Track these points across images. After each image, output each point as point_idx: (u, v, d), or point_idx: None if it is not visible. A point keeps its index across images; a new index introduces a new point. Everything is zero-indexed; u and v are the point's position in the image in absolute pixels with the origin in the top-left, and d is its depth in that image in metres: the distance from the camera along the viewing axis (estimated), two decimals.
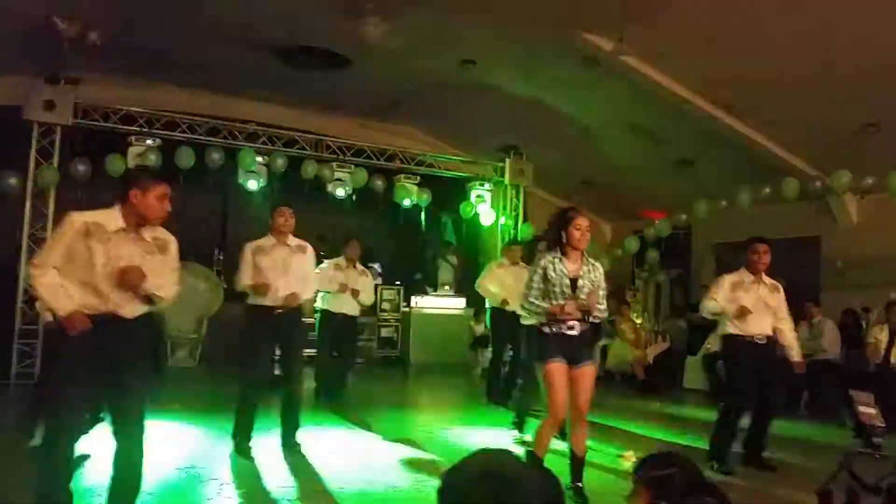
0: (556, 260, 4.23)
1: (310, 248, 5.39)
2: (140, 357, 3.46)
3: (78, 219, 3.30)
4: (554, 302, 4.16)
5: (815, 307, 8.59)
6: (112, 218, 3.34)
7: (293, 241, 5.29)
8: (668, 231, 10.85)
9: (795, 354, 5.32)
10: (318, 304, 7.65)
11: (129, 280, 3.27)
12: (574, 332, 4.20)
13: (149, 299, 3.39)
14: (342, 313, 7.52)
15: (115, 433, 3.35)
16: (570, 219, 4.25)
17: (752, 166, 9.67)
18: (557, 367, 4.14)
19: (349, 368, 7.94)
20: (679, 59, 8.12)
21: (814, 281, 10.13)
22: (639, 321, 10.72)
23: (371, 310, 9.67)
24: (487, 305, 7.78)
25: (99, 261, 3.26)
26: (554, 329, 4.17)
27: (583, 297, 4.17)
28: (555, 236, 4.34)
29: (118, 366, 3.31)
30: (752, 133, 9.10)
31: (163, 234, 3.51)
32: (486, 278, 7.58)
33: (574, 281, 4.21)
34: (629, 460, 4.16)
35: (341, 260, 7.65)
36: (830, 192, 9.13)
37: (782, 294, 5.33)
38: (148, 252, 3.40)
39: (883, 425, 4.03)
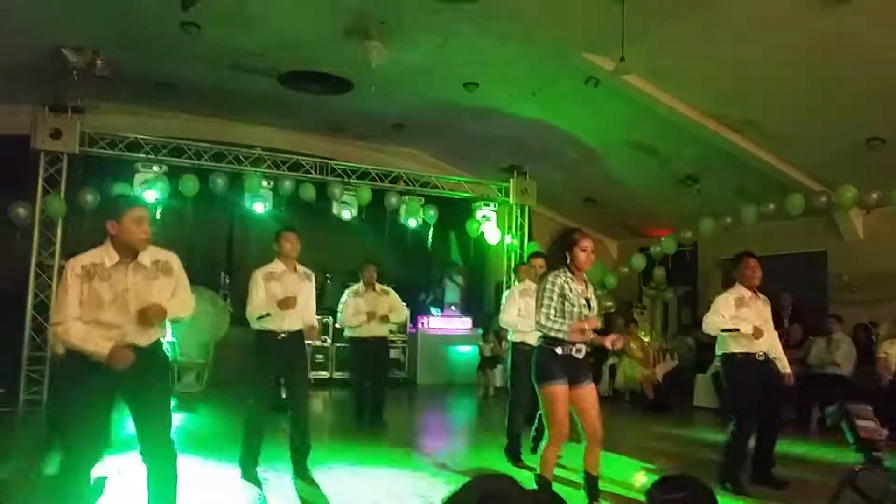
0: (569, 280, 4.21)
1: (313, 276, 5.45)
2: (160, 379, 3.54)
3: (76, 264, 3.36)
4: (569, 323, 4.13)
5: (836, 323, 8.55)
6: (106, 254, 3.39)
7: (300, 268, 5.33)
8: (673, 248, 10.84)
9: (785, 367, 5.32)
10: (347, 332, 7.67)
11: (151, 318, 3.36)
12: (580, 356, 4.22)
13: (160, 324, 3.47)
14: (371, 336, 7.45)
15: (147, 457, 3.41)
16: (576, 240, 4.24)
17: (756, 182, 9.68)
18: (562, 390, 4.13)
19: (384, 393, 7.72)
20: (681, 77, 8.17)
21: (821, 296, 10.09)
22: (647, 339, 10.67)
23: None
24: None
25: (107, 298, 3.32)
26: (564, 350, 4.15)
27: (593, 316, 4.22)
28: (559, 257, 4.30)
29: (140, 391, 3.37)
30: (756, 149, 9.12)
31: (162, 255, 3.55)
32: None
33: (588, 300, 4.25)
34: (640, 481, 4.12)
35: (359, 286, 7.62)
36: (836, 207, 9.12)
37: (769, 308, 5.36)
38: (151, 278, 3.45)
39: (883, 439, 3.99)
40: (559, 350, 4.15)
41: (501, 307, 6.27)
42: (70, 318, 3.29)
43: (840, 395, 7.94)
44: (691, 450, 6.93)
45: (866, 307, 9.23)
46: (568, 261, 4.23)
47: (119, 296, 3.34)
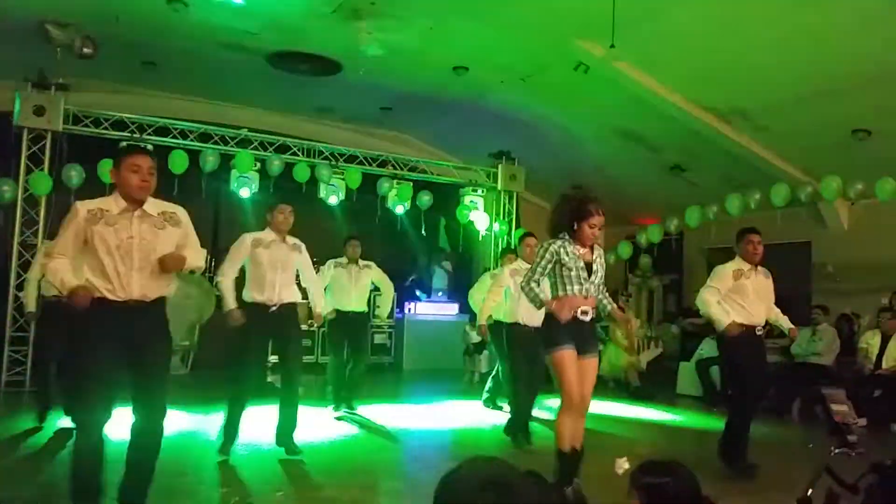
0: (567, 243, 4.08)
1: (304, 248, 5.37)
2: (161, 339, 3.52)
3: (82, 207, 3.36)
4: (570, 288, 4.05)
5: (822, 313, 8.62)
6: (114, 202, 3.41)
7: (290, 239, 5.28)
8: (659, 237, 10.89)
9: (788, 324, 5.40)
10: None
11: (169, 266, 3.38)
12: (587, 318, 4.11)
13: (168, 280, 3.48)
14: (352, 311, 7.22)
15: (138, 413, 3.42)
16: (589, 213, 4.08)
17: (743, 172, 9.73)
18: (570, 354, 4.02)
19: (362, 377, 7.46)
20: (670, 66, 8.17)
21: (805, 286, 10.19)
22: (639, 327, 10.73)
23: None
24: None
25: (112, 243, 3.32)
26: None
27: (595, 283, 4.13)
28: (565, 222, 4.13)
29: (140, 349, 3.36)
30: (743, 139, 9.16)
31: (171, 207, 3.59)
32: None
33: (589, 265, 4.11)
34: (622, 467, 4.14)
35: (342, 259, 7.41)
36: (821, 197, 9.18)
37: (771, 281, 5.36)
38: (158, 227, 3.46)
39: (856, 421, 4.05)
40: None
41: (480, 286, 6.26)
42: (58, 254, 3.30)
43: (821, 384, 8.08)
44: (675, 437, 6.99)
45: (849, 298, 9.33)
46: (574, 228, 4.10)
47: (123, 243, 3.34)
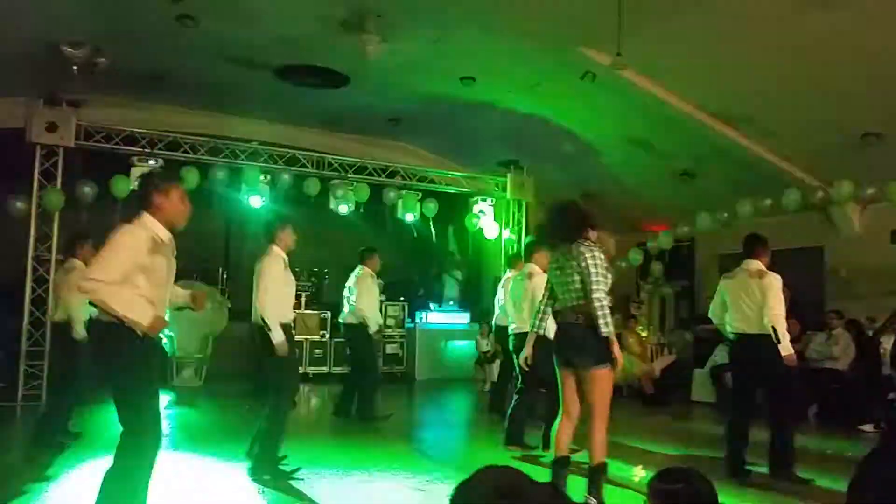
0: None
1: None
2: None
3: (143, 234, 3.20)
4: None
5: (837, 318, 8.57)
6: (161, 230, 3.29)
7: None
8: (670, 243, 10.86)
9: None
10: (352, 320, 7.29)
11: (202, 303, 3.47)
12: None
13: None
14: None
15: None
16: (594, 226, 4.23)
17: (753, 177, 9.69)
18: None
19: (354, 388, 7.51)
20: (677, 72, 8.17)
21: (818, 291, 10.12)
22: (644, 334, 10.69)
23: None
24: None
25: (163, 274, 3.28)
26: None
27: None
28: (578, 230, 4.17)
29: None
30: (752, 144, 9.13)
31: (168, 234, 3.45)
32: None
33: None
34: (639, 475, 4.14)
35: (370, 272, 7.42)
36: (832, 202, 9.14)
37: None
38: (174, 257, 3.42)
39: None
40: (605, 330, 4.00)
41: (518, 296, 6.16)
42: (114, 280, 3.11)
43: (839, 390, 8.03)
44: (691, 444, 6.95)
45: (863, 302, 9.25)
46: (584, 235, 4.15)
47: (169, 273, 3.31)
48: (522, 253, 7.10)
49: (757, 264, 5.20)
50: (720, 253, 11.22)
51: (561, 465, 4.14)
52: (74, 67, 7.84)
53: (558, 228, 4.28)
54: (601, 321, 3.96)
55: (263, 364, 5.19)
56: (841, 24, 6.60)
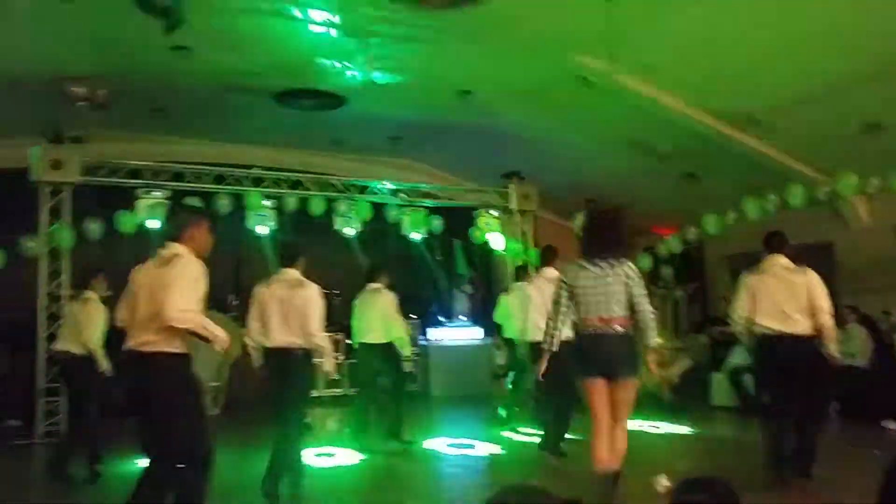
0: None
1: None
2: None
3: (201, 265, 3.70)
4: None
5: (851, 313, 8.48)
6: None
7: None
8: (679, 247, 10.81)
9: None
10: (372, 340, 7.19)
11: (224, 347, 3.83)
12: None
13: None
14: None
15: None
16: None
17: (757, 175, 9.64)
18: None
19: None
20: (671, 73, 8.13)
21: (829, 287, 10.00)
22: (659, 340, 10.60)
23: None
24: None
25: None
26: None
27: None
28: (626, 243, 4.33)
29: None
30: (753, 142, 9.09)
31: None
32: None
33: None
34: (662, 484, 4.08)
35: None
36: (839, 196, 9.07)
37: None
38: None
39: None
40: (655, 341, 4.24)
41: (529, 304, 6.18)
42: (198, 308, 3.61)
43: (860, 386, 7.93)
44: (713, 450, 6.87)
45: (876, 296, 9.16)
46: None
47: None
48: (538, 259, 7.09)
49: (787, 261, 5.08)
50: (729, 253, 11.18)
51: (613, 481, 4.04)
52: (81, 103, 7.90)
53: (614, 242, 4.18)
54: (652, 332, 4.11)
55: (291, 390, 5.11)
56: (835, 15, 6.56)
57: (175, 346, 3.46)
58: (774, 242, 5.14)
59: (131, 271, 3.79)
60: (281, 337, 4.89)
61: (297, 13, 7.03)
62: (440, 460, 6.56)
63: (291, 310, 4.90)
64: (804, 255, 8.94)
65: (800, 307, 4.83)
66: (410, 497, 5.25)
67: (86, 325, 5.72)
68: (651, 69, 8.03)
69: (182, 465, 3.43)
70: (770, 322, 4.89)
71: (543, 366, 4.32)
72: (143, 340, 3.44)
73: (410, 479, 5.86)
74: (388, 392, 7.23)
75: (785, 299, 4.86)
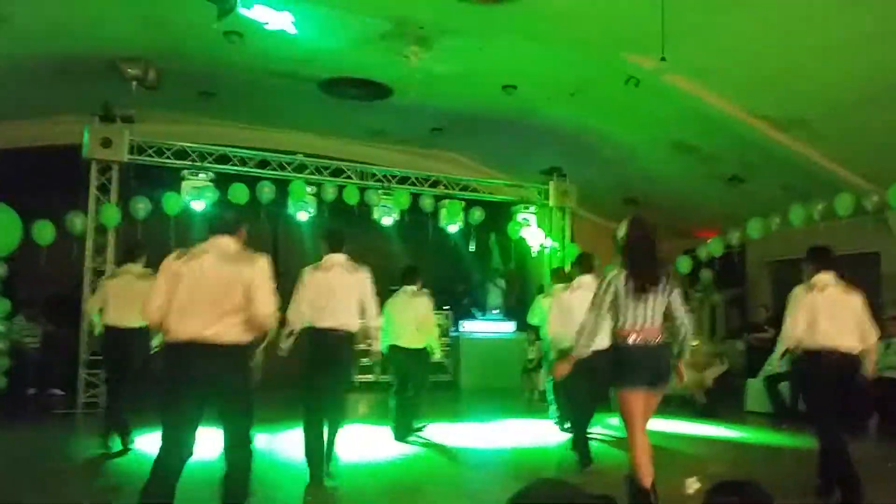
0: None
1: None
2: None
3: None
4: None
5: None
6: None
7: None
8: (720, 250, 10.63)
9: None
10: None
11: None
12: None
13: None
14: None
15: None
16: None
17: (804, 182, 9.45)
18: None
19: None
20: (722, 76, 8.02)
21: (875, 298, 9.76)
22: (695, 343, 10.45)
23: None
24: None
25: None
26: None
27: None
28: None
29: None
30: (803, 147, 8.90)
31: None
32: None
33: None
34: (693, 486, 4.05)
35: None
36: (888, 206, 8.84)
37: None
38: None
39: None
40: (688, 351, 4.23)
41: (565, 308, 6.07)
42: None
43: None
44: (746, 455, 6.79)
45: None
46: None
47: None
48: (573, 258, 6.99)
49: (836, 278, 5.05)
50: (770, 260, 10.97)
51: (653, 489, 4.00)
52: (134, 83, 8.06)
53: (657, 268, 4.10)
54: (687, 344, 4.13)
55: (341, 372, 5.22)
56: (888, 20, 6.37)
57: (247, 339, 3.64)
58: (825, 259, 5.07)
59: (172, 260, 3.64)
60: (337, 319, 4.99)
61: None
62: (466, 452, 6.57)
63: (349, 293, 5.07)
64: (850, 266, 8.79)
65: (851, 327, 4.90)
66: (433, 485, 5.27)
67: (126, 300, 5.82)
68: (702, 70, 7.92)
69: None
70: (826, 341, 4.90)
71: (566, 370, 4.23)
72: (216, 331, 3.49)
73: (436, 468, 5.89)
74: (413, 389, 7.19)
75: (842, 320, 4.91)
